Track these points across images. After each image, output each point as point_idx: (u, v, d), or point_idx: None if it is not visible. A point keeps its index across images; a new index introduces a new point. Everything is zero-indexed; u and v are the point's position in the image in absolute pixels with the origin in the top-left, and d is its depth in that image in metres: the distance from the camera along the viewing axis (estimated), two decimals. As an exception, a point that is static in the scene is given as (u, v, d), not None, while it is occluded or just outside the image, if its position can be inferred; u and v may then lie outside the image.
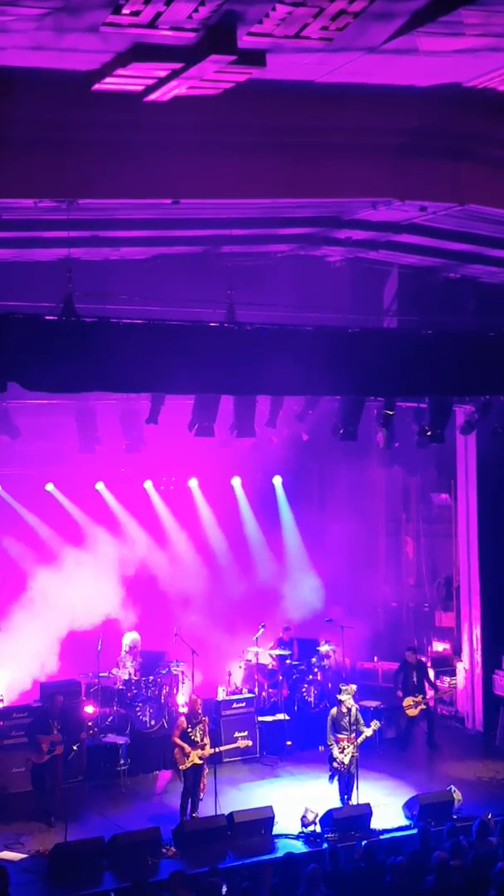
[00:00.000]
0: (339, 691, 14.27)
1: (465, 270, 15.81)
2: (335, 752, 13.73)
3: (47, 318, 11.05)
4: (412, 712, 16.35)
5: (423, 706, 16.47)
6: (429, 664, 18.48)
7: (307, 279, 15.49)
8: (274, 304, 14.29)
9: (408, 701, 16.37)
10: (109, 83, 9.23)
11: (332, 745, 13.81)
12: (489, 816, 12.59)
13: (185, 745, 13.42)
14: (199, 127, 10.20)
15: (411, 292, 16.42)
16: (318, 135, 10.79)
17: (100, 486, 17.89)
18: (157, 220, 12.52)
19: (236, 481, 19.19)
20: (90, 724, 15.21)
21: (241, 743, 14.43)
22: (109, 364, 11.12)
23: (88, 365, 11.00)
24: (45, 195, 10.55)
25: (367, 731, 13.89)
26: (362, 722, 13.97)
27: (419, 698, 16.44)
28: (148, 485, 18.46)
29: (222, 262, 14.58)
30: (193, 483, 18.87)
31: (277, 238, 14.60)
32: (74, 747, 13.81)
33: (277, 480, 19.52)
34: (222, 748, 13.91)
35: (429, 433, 14.79)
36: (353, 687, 14.48)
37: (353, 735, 13.79)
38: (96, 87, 9.28)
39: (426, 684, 16.83)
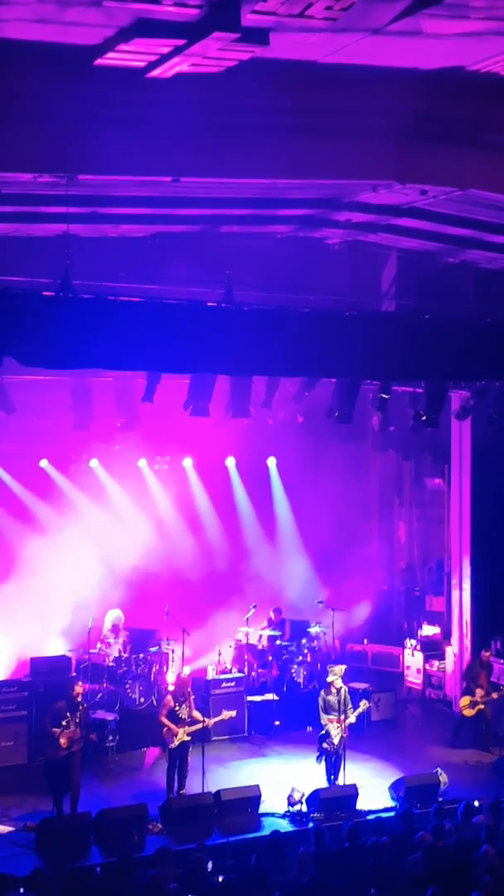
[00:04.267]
0: (328, 673, 14.34)
1: (465, 256, 15.77)
2: (332, 731, 13.76)
3: (45, 293, 11.02)
4: (469, 712, 15.85)
5: (482, 706, 15.88)
6: (418, 647, 18.58)
7: (306, 261, 15.43)
8: (272, 286, 14.27)
9: (465, 700, 15.92)
10: (111, 58, 9.17)
11: (326, 725, 13.87)
12: (475, 804, 12.69)
13: (172, 725, 13.48)
14: (200, 105, 10.14)
15: (410, 277, 16.38)
16: (319, 116, 10.74)
17: (94, 463, 17.89)
18: (156, 197, 12.47)
19: (230, 462, 19.21)
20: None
21: (226, 715, 14.45)
22: (106, 341, 11.09)
23: (85, 342, 10.97)
24: (44, 170, 10.50)
25: (352, 717, 13.91)
26: (350, 704, 14.03)
27: (478, 696, 15.84)
28: (142, 463, 18.46)
29: (221, 242, 14.55)
30: (188, 462, 18.88)
31: (277, 219, 14.56)
32: (93, 736, 13.46)
33: (272, 462, 19.55)
34: (209, 721, 13.94)
35: (424, 418, 14.79)
36: (342, 667, 14.53)
37: (342, 716, 13.86)
38: (98, 62, 9.22)
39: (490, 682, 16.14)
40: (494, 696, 15.85)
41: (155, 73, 9.40)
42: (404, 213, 13.58)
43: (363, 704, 14.28)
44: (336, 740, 13.80)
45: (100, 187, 11.65)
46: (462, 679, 16.82)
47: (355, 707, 14.08)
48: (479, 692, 15.79)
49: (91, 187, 11.42)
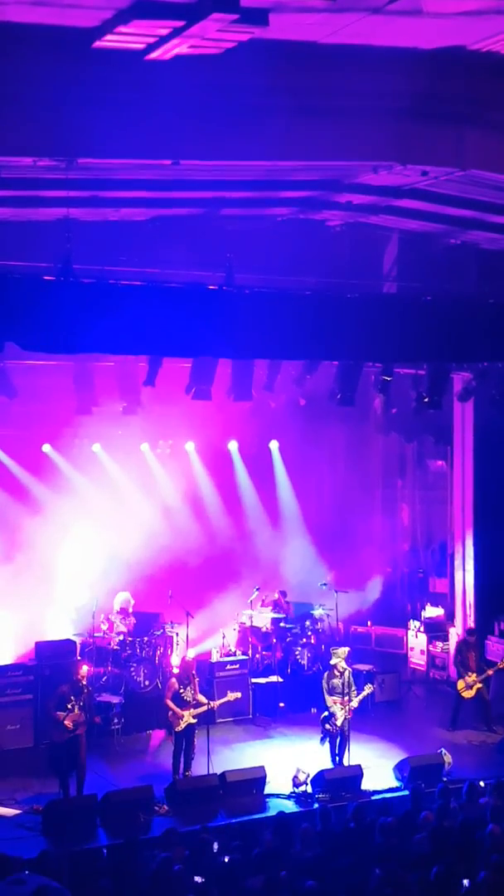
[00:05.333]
0: (332, 655, 14.38)
1: (466, 237, 15.73)
2: (337, 711, 13.81)
3: (46, 278, 11.01)
4: (468, 694, 15.71)
5: (479, 685, 15.70)
6: (422, 629, 18.62)
7: (307, 243, 15.40)
8: (273, 268, 14.25)
9: (461, 683, 15.79)
10: (110, 41, 9.14)
11: (330, 707, 13.92)
12: (481, 784, 12.74)
13: (177, 708, 13.54)
14: (200, 87, 10.11)
15: (411, 258, 16.34)
16: (320, 97, 10.70)
17: (96, 447, 17.90)
18: (157, 181, 12.44)
19: (233, 445, 19.21)
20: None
21: (231, 696, 14.51)
22: (107, 325, 11.07)
23: (86, 326, 10.95)
24: (44, 154, 10.48)
25: (355, 701, 13.93)
26: (354, 686, 14.07)
27: (472, 678, 15.69)
28: (145, 447, 18.47)
29: (222, 225, 14.52)
30: (190, 446, 18.88)
31: (277, 201, 14.51)
32: (97, 718, 13.51)
33: (274, 445, 19.55)
34: (214, 703, 14.02)
35: (426, 400, 14.79)
36: (346, 649, 14.59)
37: (346, 698, 13.90)
38: (97, 44, 9.19)
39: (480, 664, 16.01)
40: (490, 672, 15.87)
41: (154, 55, 9.37)
42: (405, 195, 13.55)
43: (367, 688, 14.33)
44: (340, 722, 13.85)
45: (100, 171, 11.62)
46: (452, 664, 16.79)
47: (359, 689, 14.13)
48: (472, 675, 15.76)
49: (91, 171, 11.40)
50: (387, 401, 16.13)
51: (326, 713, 13.99)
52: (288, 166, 12.09)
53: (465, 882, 8.86)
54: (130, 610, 16.83)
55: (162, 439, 18.66)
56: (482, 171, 12.03)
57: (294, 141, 11.08)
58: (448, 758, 13.78)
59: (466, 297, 14.53)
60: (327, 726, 13.94)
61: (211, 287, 11.94)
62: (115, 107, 10.25)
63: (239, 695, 14.84)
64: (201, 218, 14.55)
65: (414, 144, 11.56)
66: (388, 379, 14.99)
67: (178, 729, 13.57)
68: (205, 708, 13.71)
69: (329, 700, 13.99)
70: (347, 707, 13.90)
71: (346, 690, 13.97)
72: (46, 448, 17.52)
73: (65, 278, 10.95)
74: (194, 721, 13.59)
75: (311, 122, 10.96)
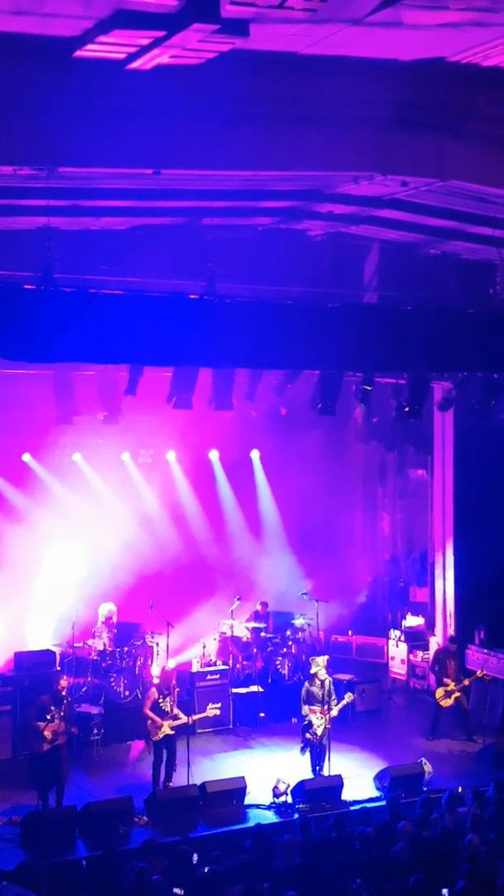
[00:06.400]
0: (310, 664, 14.37)
1: (446, 247, 15.81)
2: (315, 720, 13.80)
3: (26, 286, 10.99)
4: (446, 702, 15.66)
5: (458, 694, 15.69)
6: (403, 638, 18.64)
7: (288, 253, 15.44)
8: (254, 278, 14.26)
9: (440, 692, 15.73)
10: (91, 50, 9.15)
11: (307, 716, 13.91)
12: (459, 790, 12.77)
13: (156, 717, 13.50)
14: (181, 97, 10.13)
15: (392, 268, 16.42)
16: (301, 107, 10.74)
17: (77, 457, 17.85)
18: (137, 190, 12.45)
19: (214, 454, 19.20)
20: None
21: (210, 711, 14.52)
22: (88, 334, 11.06)
23: (66, 335, 10.93)
24: (24, 162, 10.47)
25: (335, 710, 13.92)
26: (335, 695, 14.06)
27: (451, 686, 15.68)
28: (125, 456, 18.43)
29: (203, 234, 14.54)
30: (171, 456, 18.86)
31: (258, 211, 14.55)
32: (73, 729, 13.35)
33: (255, 454, 19.55)
34: (193, 718, 13.99)
35: (407, 409, 14.85)
36: (325, 658, 14.58)
37: (326, 707, 13.89)
38: (78, 53, 9.20)
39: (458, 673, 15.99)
40: (466, 682, 15.88)
41: (135, 64, 9.38)
42: (386, 205, 13.60)
43: (347, 697, 14.32)
44: (319, 731, 13.84)
45: (80, 180, 11.62)
46: (430, 671, 16.78)
47: (339, 698, 14.12)
48: (451, 684, 15.76)
49: (72, 180, 11.39)
50: (367, 410, 16.17)
51: (306, 722, 13.97)
52: (269, 176, 12.12)
53: (445, 892, 8.87)
54: (114, 620, 16.76)
55: (143, 448, 18.62)
56: (462, 182, 12.10)
57: (275, 151, 11.12)
58: (428, 767, 13.78)
59: (446, 307, 14.59)
60: (307, 735, 13.93)
61: (192, 296, 11.95)
62: (95, 116, 10.26)
63: (218, 712, 14.81)
64: (182, 227, 14.57)
65: (394, 155, 11.62)
66: (369, 388, 15.02)
67: (156, 739, 13.53)
68: (182, 722, 13.66)
69: (306, 709, 13.97)
70: (327, 716, 13.88)
71: (326, 699, 13.95)
72: (26, 457, 17.45)
73: (45, 287, 10.93)
74: (171, 733, 13.54)
75: (292, 132, 11.00)
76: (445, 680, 15.78)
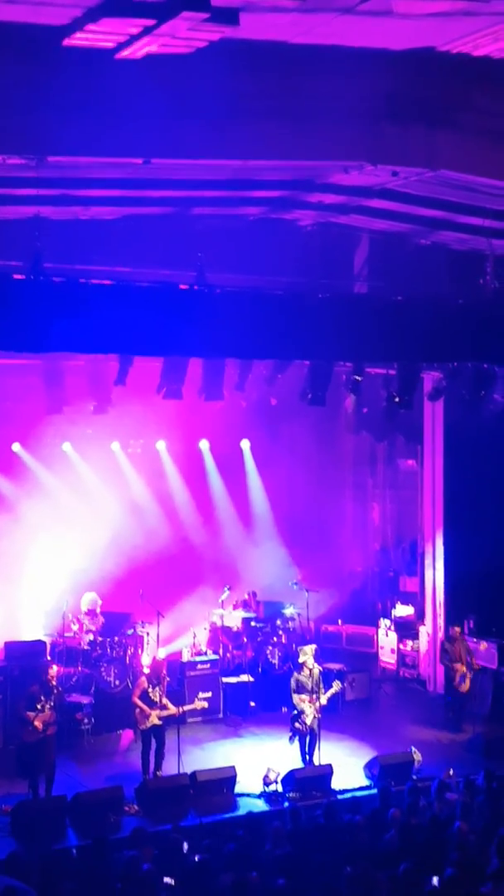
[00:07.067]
0: (299, 653, 14.40)
1: (436, 237, 15.81)
2: (305, 710, 13.84)
3: (15, 276, 10.96)
4: (465, 687, 15.76)
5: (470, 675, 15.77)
6: (392, 627, 18.69)
7: (278, 243, 15.42)
8: (244, 268, 14.25)
9: (457, 676, 15.77)
10: (81, 39, 9.12)
11: (297, 705, 13.95)
12: (450, 772, 12.83)
13: (145, 707, 13.52)
14: (171, 86, 10.10)
15: (382, 258, 16.41)
16: (290, 96, 10.72)
17: (66, 447, 17.83)
18: (127, 179, 12.41)
19: (204, 444, 19.20)
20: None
21: (198, 704, 14.58)
22: (77, 324, 11.06)
23: (56, 325, 10.93)
24: (13, 151, 10.43)
25: (324, 699, 13.95)
26: (322, 685, 14.07)
27: (463, 670, 15.76)
28: (115, 446, 18.42)
29: (193, 224, 14.50)
30: (161, 445, 18.85)
31: (249, 201, 14.52)
32: (79, 715, 13.29)
33: (245, 444, 19.56)
34: (182, 708, 14.02)
35: (397, 399, 14.85)
36: (313, 647, 14.59)
37: (315, 696, 13.92)
38: (67, 42, 9.16)
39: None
40: (477, 666, 15.95)
41: (124, 53, 9.35)
42: (376, 195, 13.59)
43: (335, 686, 14.34)
44: (309, 720, 13.87)
45: (70, 169, 11.58)
46: (440, 662, 16.77)
47: (327, 688, 14.16)
48: (462, 667, 15.85)
49: (61, 169, 11.35)
50: (357, 400, 16.16)
51: (296, 712, 14.01)
52: (259, 166, 12.09)
53: (435, 879, 8.91)
54: (98, 610, 16.77)
55: (133, 438, 18.62)
56: (452, 172, 12.10)
57: (264, 140, 11.09)
58: (418, 756, 13.83)
59: (436, 298, 14.60)
60: (297, 725, 13.96)
61: (182, 286, 11.95)
62: (85, 105, 10.22)
63: (206, 704, 14.87)
64: (172, 217, 14.53)
65: (384, 145, 11.60)
66: (359, 378, 15.04)
67: (144, 728, 13.55)
68: (170, 713, 13.67)
69: (296, 699, 14.01)
70: (316, 705, 13.92)
71: (315, 688, 13.98)
72: (16, 447, 17.43)
73: (35, 277, 10.92)
74: (160, 723, 13.56)
75: (282, 121, 10.98)
76: (457, 665, 15.84)
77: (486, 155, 11.97)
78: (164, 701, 13.70)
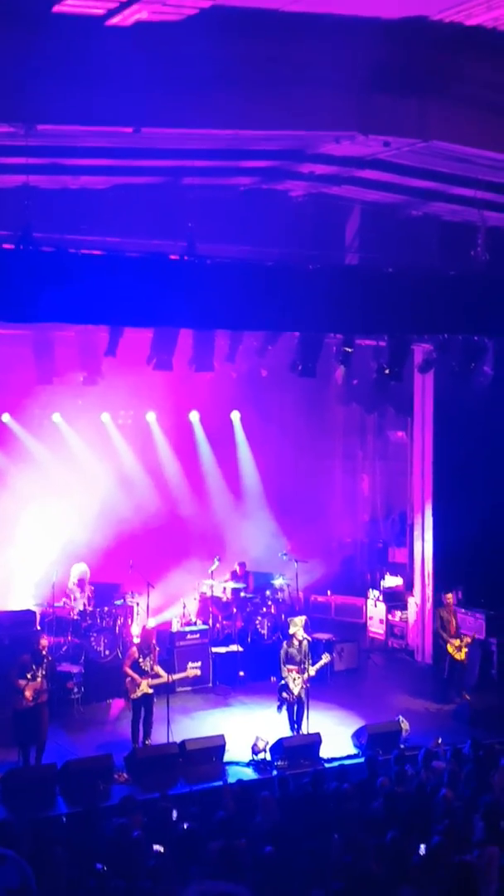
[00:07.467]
0: (289, 624, 14.47)
1: (428, 208, 15.76)
2: (290, 682, 13.93)
3: (4, 246, 10.90)
4: (460, 655, 15.86)
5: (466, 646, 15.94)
6: (381, 598, 18.79)
7: (269, 213, 15.35)
8: (235, 238, 14.19)
9: (451, 646, 15.84)
10: (70, 5, 9.04)
11: (285, 676, 14.04)
12: (438, 741, 12.94)
13: (136, 675, 13.60)
14: (161, 54, 10.02)
15: (373, 229, 16.34)
16: (282, 65, 10.64)
17: (56, 417, 17.81)
18: (117, 148, 12.33)
19: (194, 416, 19.20)
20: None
21: (190, 672, 14.66)
22: (67, 294, 11.00)
23: (46, 295, 10.87)
24: (2, 119, 10.34)
25: (312, 670, 14.02)
26: (310, 657, 14.13)
27: (457, 641, 15.84)
28: (105, 417, 18.41)
29: (183, 194, 14.42)
30: (151, 417, 18.85)
31: (239, 171, 14.45)
32: (70, 684, 13.28)
33: (235, 415, 19.56)
34: (173, 677, 14.10)
35: (387, 371, 14.85)
36: (303, 618, 14.66)
37: (303, 667, 13.99)
38: (57, 8, 9.08)
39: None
40: (468, 638, 16.06)
41: (114, 20, 9.27)
42: (367, 165, 13.52)
43: (325, 658, 14.43)
44: (296, 691, 13.95)
45: (59, 137, 11.49)
46: (440, 629, 16.81)
47: (315, 658, 14.23)
48: (456, 639, 15.95)
49: (50, 137, 11.26)
50: (348, 372, 16.15)
51: (283, 682, 14.10)
52: (250, 135, 12.02)
53: (422, 847, 9.01)
54: (87, 580, 16.81)
55: (123, 409, 18.61)
56: (444, 143, 12.04)
57: (255, 110, 11.02)
58: (405, 725, 13.95)
59: (427, 269, 14.57)
60: (284, 695, 14.05)
61: (172, 257, 11.89)
62: (74, 73, 10.14)
63: (198, 672, 14.95)
64: (162, 187, 14.44)
65: (376, 115, 11.54)
66: (349, 350, 15.02)
67: (135, 696, 13.62)
68: (162, 680, 13.75)
69: (284, 670, 14.09)
70: (304, 676, 14.00)
71: (304, 660, 14.06)
72: (6, 418, 17.41)
73: (24, 247, 10.85)
74: (150, 691, 13.64)
75: (273, 90, 10.90)
76: (451, 640, 15.90)
77: (479, 125, 11.91)
78: (156, 669, 13.78)
